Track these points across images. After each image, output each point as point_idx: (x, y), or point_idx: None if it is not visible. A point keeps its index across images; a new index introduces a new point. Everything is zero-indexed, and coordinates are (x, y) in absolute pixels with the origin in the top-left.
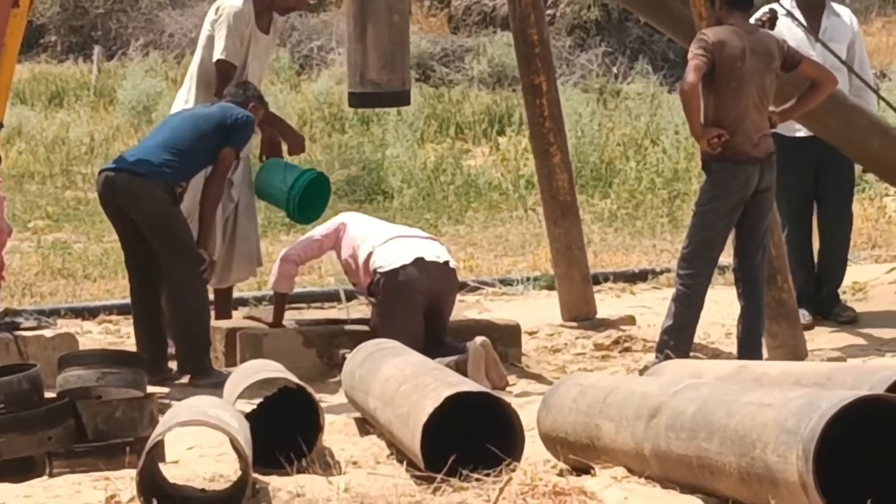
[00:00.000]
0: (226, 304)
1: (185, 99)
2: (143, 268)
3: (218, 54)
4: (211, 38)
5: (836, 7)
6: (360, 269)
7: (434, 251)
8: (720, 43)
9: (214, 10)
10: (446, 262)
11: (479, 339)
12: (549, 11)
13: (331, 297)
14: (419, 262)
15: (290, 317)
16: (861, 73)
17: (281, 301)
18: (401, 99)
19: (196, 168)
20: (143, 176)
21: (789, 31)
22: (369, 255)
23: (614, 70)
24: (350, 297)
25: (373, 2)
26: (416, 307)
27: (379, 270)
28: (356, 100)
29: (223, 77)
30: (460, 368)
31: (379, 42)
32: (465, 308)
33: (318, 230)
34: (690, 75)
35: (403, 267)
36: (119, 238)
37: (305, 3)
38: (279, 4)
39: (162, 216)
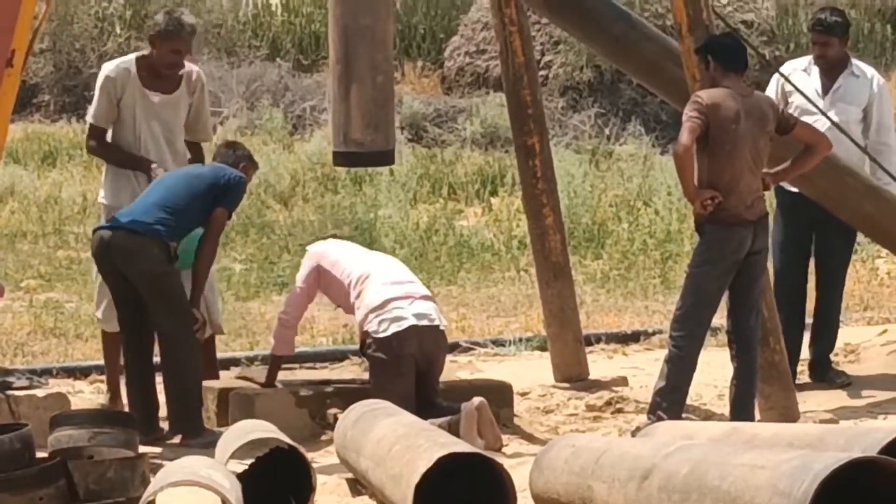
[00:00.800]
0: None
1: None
2: (136, 327)
3: (89, 117)
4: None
5: (858, 67)
6: (353, 315)
7: (426, 313)
8: (715, 105)
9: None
10: (437, 326)
11: (476, 400)
12: (542, 72)
13: (322, 357)
14: (412, 329)
15: (282, 377)
16: (877, 136)
17: (277, 363)
18: (385, 158)
19: (189, 227)
20: (139, 234)
21: (802, 87)
22: (363, 317)
23: (607, 131)
24: (342, 356)
25: (357, 62)
26: (407, 372)
27: (372, 335)
28: (340, 159)
29: (90, 137)
30: (452, 429)
31: (362, 102)
32: (457, 368)
33: (298, 280)
34: (684, 137)
35: (397, 335)
36: (113, 298)
37: (178, 60)
38: (159, 63)
39: (157, 275)
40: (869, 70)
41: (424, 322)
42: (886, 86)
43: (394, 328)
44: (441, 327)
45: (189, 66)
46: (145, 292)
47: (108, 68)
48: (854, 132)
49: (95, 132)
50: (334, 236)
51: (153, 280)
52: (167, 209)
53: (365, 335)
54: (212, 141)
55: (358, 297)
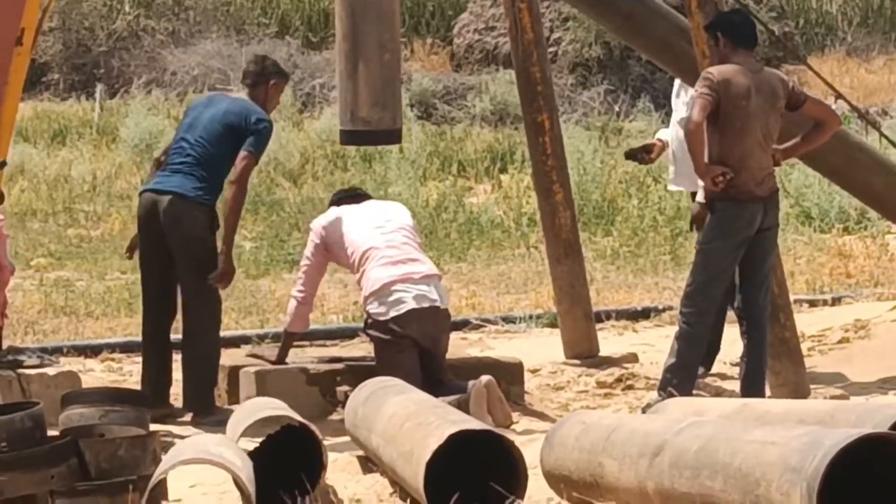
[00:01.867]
0: None
1: None
2: (161, 298)
3: None
4: None
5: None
6: (357, 284)
7: (426, 294)
8: (725, 81)
9: None
10: (437, 307)
11: (483, 378)
12: (552, 49)
13: (333, 335)
14: (411, 312)
15: (293, 355)
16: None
17: (290, 340)
18: (392, 137)
19: (225, 177)
20: (188, 199)
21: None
22: (365, 297)
23: (616, 108)
24: (353, 334)
25: (364, 40)
26: (408, 351)
27: (373, 316)
28: (347, 137)
29: None
30: (462, 407)
31: (370, 80)
32: (467, 346)
33: (305, 255)
34: (696, 114)
35: (395, 319)
36: (145, 264)
37: None
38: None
39: (196, 240)
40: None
41: (425, 304)
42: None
43: (393, 312)
44: (442, 307)
45: None
46: (181, 258)
47: None
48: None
49: None
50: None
51: (191, 245)
52: (205, 166)
53: (367, 315)
54: None
55: (360, 277)
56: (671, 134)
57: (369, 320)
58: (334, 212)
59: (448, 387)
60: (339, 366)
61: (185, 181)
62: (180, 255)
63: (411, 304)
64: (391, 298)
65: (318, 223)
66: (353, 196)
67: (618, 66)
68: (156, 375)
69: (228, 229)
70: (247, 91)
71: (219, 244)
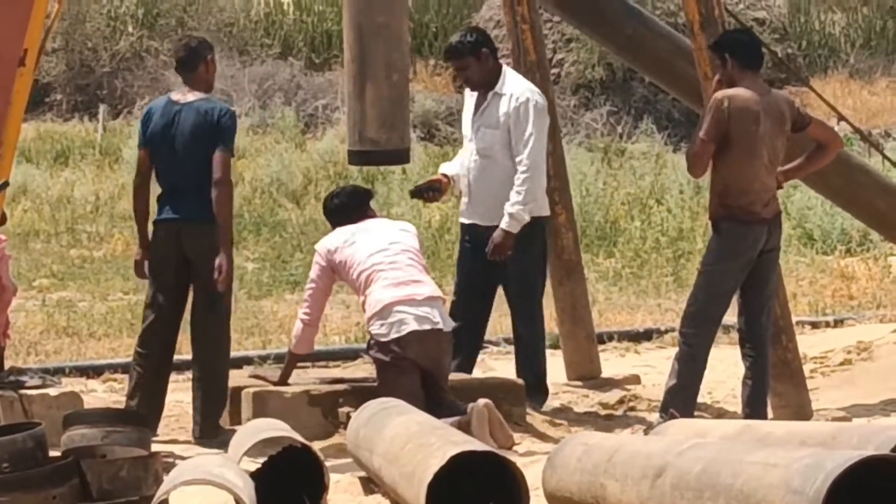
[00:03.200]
0: None
1: None
2: (169, 320)
3: None
4: None
5: (506, 85)
6: (361, 306)
7: (429, 317)
8: (737, 109)
9: None
10: (440, 329)
11: (481, 402)
12: (554, 70)
13: (335, 356)
14: (413, 334)
15: (295, 376)
16: (515, 154)
17: (293, 361)
18: (400, 157)
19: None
20: (204, 221)
21: (465, 110)
22: (368, 318)
23: (619, 129)
24: (355, 355)
25: (372, 61)
26: (409, 373)
27: (375, 337)
28: (355, 158)
29: None
30: (463, 428)
31: (378, 100)
32: (487, 368)
33: (311, 278)
34: (697, 169)
35: (397, 340)
36: (158, 286)
37: None
38: None
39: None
40: (513, 87)
41: (427, 326)
42: (530, 101)
43: (394, 333)
44: (445, 329)
45: None
46: (202, 277)
47: None
48: (499, 156)
49: None
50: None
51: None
52: (198, 185)
53: (370, 336)
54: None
55: (364, 299)
56: (463, 164)
57: (372, 341)
58: (339, 234)
59: (450, 408)
60: (341, 387)
61: (195, 205)
62: (200, 276)
63: (413, 326)
64: (393, 320)
65: (324, 246)
66: (353, 211)
67: (621, 87)
68: (151, 398)
69: (227, 231)
70: (186, 77)
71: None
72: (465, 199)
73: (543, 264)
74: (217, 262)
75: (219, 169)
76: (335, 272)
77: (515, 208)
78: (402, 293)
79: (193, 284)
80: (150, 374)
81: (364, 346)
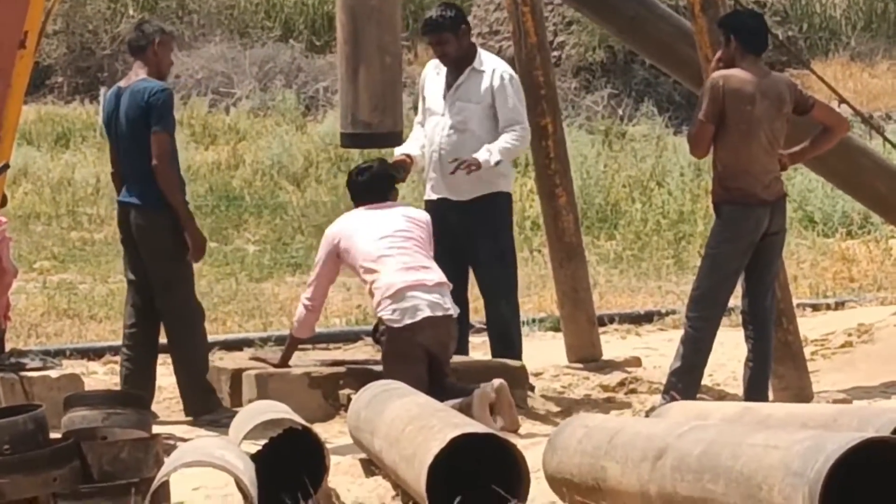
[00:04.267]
0: None
1: None
2: (147, 299)
3: None
4: None
5: (484, 61)
6: (368, 292)
7: (440, 302)
8: (731, 87)
9: None
10: (450, 315)
11: (496, 382)
12: (555, 53)
13: (336, 338)
14: (426, 320)
15: (296, 358)
16: (503, 131)
17: (294, 345)
18: (392, 140)
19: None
20: (149, 208)
21: (430, 87)
22: (378, 302)
23: (620, 112)
24: (356, 337)
25: (365, 43)
26: (419, 360)
27: (387, 322)
28: (348, 140)
29: None
30: (465, 410)
31: (370, 83)
32: (471, 350)
33: (317, 263)
34: (701, 147)
35: (411, 326)
36: (130, 265)
37: None
38: None
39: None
40: (494, 64)
41: (438, 312)
42: (514, 79)
43: (408, 319)
44: (453, 315)
45: None
46: (150, 262)
47: None
48: (476, 129)
49: None
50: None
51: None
52: (144, 170)
53: (379, 321)
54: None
55: (372, 284)
56: (432, 140)
57: (381, 326)
58: (346, 219)
59: (450, 390)
60: (342, 369)
61: (143, 190)
62: (151, 263)
63: (426, 312)
64: (407, 305)
65: (332, 231)
66: (375, 192)
67: (621, 69)
68: (144, 378)
69: (179, 209)
70: (136, 62)
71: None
72: (433, 175)
73: (511, 238)
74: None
75: (155, 152)
76: (340, 258)
77: (496, 148)
78: (412, 277)
79: (146, 269)
80: (136, 351)
81: (365, 328)
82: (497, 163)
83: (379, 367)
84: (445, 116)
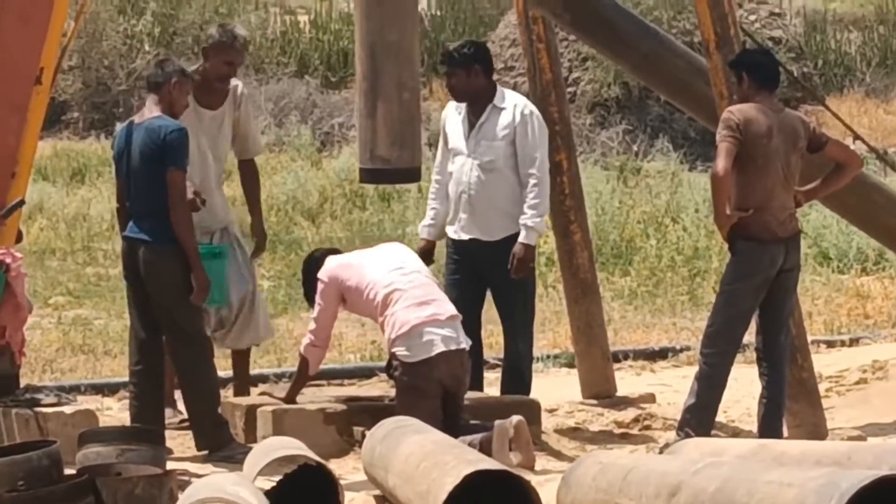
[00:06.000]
0: (245, 365)
1: None
2: (152, 336)
3: None
4: None
5: (505, 98)
6: (379, 327)
7: (453, 336)
8: (747, 121)
9: None
10: (463, 349)
11: (514, 419)
12: (570, 89)
13: (351, 374)
14: (440, 355)
15: (311, 394)
16: (524, 168)
17: (302, 382)
18: (410, 175)
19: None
20: (159, 245)
21: (452, 126)
22: (392, 338)
23: (634, 148)
24: (370, 373)
25: (383, 79)
26: (434, 396)
27: (401, 358)
28: (366, 176)
29: None
30: (483, 448)
31: (389, 119)
32: (485, 385)
33: (317, 302)
34: (722, 161)
35: (426, 361)
36: (133, 302)
37: (230, 72)
38: (212, 76)
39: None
40: (514, 100)
41: (452, 346)
42: (534, 114)
43: (423, 354)
44: (466, 348)
45: (233, 81)
46: (156, 299)
47: None
48: (503, 168)
49: None
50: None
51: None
52: (154, 207)
53: (392, 356)
54: (263, 153)
55: (385, 318)
56: (458, 183)
57: (394, 362)
58: (342, 258)
59: (465, 427)
60: (357, 405)
61: (153, 227)
62: (158, 300)
63: (440, 347)
64: (421, 341)
65: (329, 271)
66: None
67: (636, 105)
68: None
69: (190, 251)
70: (150, 98)
71: None
72: (462, 216)
73: (534, 277)
74: (195, 284)
75: (172, 191)
76: (343, 296)
77: (534, 220)
78: (425, 313)
79: (152, 305)
80: (143, 388)
81: (380, 364)
82: (541, 226)
83: (394, 404)
84: (472, 157)
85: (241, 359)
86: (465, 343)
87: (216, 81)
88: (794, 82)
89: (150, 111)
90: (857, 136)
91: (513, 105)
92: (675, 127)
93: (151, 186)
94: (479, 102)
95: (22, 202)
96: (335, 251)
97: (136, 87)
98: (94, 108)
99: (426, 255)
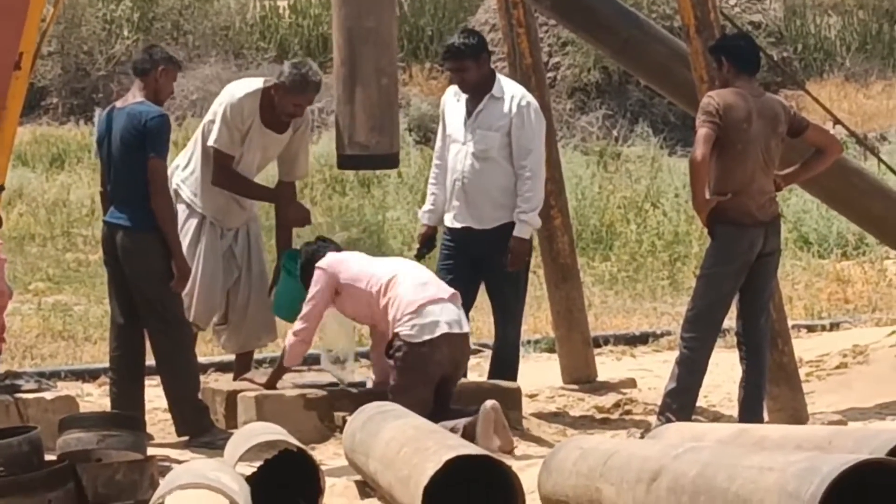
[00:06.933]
0: (246, 368)
1: (184, 163)
2: (130, 320)
3: (211, 142)
4: (212, 121)
5: (502, 88)
6: (380, 318)
7: (457, 319)
8: (727, 106)
9: (224, 92)
10: (466, 333)
11: (489, 403)
12: (550, 74)
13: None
14: (444, 337)
15: (290, 379)
16: (518, 159)
17: (282, 372)
18: (389, 161)
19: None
20: (138, 231)
21: (450, 113)
22: (396, 318)
23: (615, 133)
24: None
25: (362, 65)
26: (430, 382)
27: (404, 338)
28: (345, 162)
29: (217, 164)
30: (469, 431)
31: (367, 105)
32: (468, 371)
33: (313, 292)
34: (701, 146)
35: (430, 342)
36: (112, 286)
37: (299, 112)
38: (278, 110)
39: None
40: (513, 90)
41: (455, 329)
42: (531, 106)
43: (427, 335)
44: (468, 333)
45: None
46: (135, 285)
47: (232, 94)
48: (498, 157)
49: (222, 159)
50: (324, 240)
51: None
52: (133, 192)
53: (395, 336)
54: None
55: (389, 299)
56: (453, 170)
57: (398, 343)
58: (339, 254)
59: (452, 411)
60: (338, 390)
61: (133, 213)
62: (136, 286)
63: (444, 329)
64: (426, 321)
65: (327, 261)
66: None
67: (616, 90)
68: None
69: (171, 238)
70: (136, 83)
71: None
72: (456, 203)
73: (528, 266)
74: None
75: (151, 179)
76: (338, 288)
77: (528, 215)
78: (429, 293)
79: (131, 291)
80: (122, 374)
81: (362, 349)
82: (535, 219)
83: (376, 389)
84: (467, 145)
85: (242, 360)
86: (467, 327)
87: (283, 116)
88: (774, 67)
89: (134, 96)
90: (836, 121)
91: (510, 96)
92: (655, 112)
93: (131, 172)
94: (479, 91)
95: (2, 188)
96: (335, 245)
97: (116, 72)
98: (74, 93)
99: (427, 240)
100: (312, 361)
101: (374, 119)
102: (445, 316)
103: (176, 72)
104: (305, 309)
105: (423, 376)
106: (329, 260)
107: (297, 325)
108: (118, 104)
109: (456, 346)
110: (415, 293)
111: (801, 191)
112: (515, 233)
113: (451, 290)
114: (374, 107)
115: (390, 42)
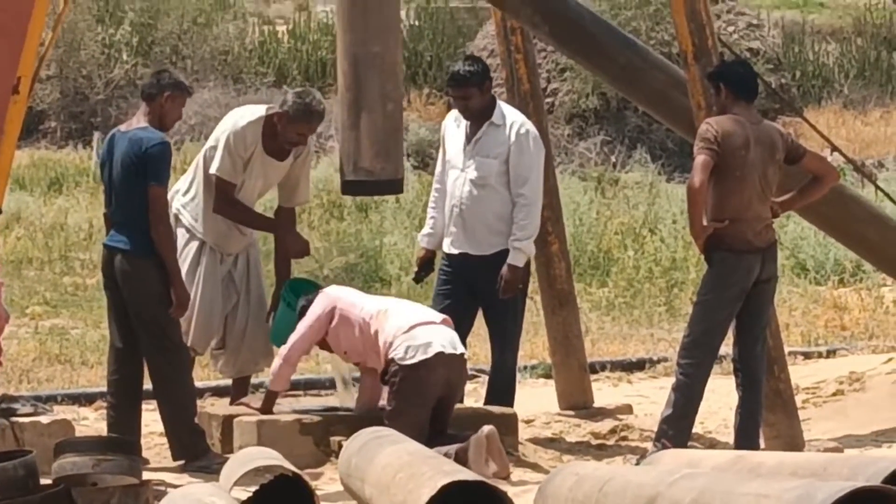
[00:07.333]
0: (243, 393)
1: (185, 188)
2: (129, 344)
3: (213, 169)
4: (214, 147)
5: (502, 115)
6: (371, 349)
7: (451, 341)
8: (725, 132)
9: (226, 119)
10: (462, 354)
11: (486, 428)
12: (548, 100)
13: (327, 385)
14: (439, 356)
15: (287, 404)
16: (514, 187)
17: (273, 397)
18: (394, 187)
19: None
20: (136, 256)
21: (450, 139)
22: (388, 343)
23: (613, 159)
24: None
25: (367, 90)
26: (429, 402)
27: (398, 361)
28: (349, 187)
29: (219, 191)
30: (461, 457)
31: (372, 130)
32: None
33: (308, 319)
34: (698, 173)
35: (425, 363)
36: (111, 310)
37: (302, 141)
38: (281, 139)
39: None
40: (513, 118)
41: (450, 350)
42: (530, 134)
43: (421, 355)
44: (464, 355)
45: None
46: (133, 309)
47: (235, 123)
48: (496, 185)
49: (224, 187)
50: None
51: (146, 301)
52: (132, 217)
53: (389, 363)
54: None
55: (380, 325)
56: (451, 196)
57: (393, 368)
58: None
59: (447, 437)
60: (333, 415)
61: (132, 238)
62: (135, 311)
63: (438, 349)
64: (419, 342)
65: (332, 289)
66: None
67: (614, 116)
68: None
69: (171, 265)
70: (143, 107)
71: None
72: (453, 229)
73: (525, 292)
74: (174, 299)
75: (153, 206)
76: (336, 317)
77: (522, 242)
78: (421, 317)
79: (129, 315)
80: (119, 398)
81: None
82: (529, 247)
83: (370, 414)
84: (466, 171)
85: (238, 384)
86: (462, 349)
87: (286, 144)
88: (772, 93)
89: (138, 121)
90: (834, 148)
91: (510, 123)
92: (653, 138)
93: (130, 197)
94: (479, 118)
95: None
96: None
97: (115, 96)
98: (72, 117)
99: (426, 263)
100: (308, 387)
101: (379, 144)
102: (439, 337)
103: (184, 97)
104: (298, 332)
105: (419, 399)
106: (332, 287)
107: (285, 348)
108: (122, 128)
109: (452, 368)
110: (406, 318)
111: (798, 217)
112: (509, 260)
113: (443, 316)
114: (379, 132)
115: (395, 68)
